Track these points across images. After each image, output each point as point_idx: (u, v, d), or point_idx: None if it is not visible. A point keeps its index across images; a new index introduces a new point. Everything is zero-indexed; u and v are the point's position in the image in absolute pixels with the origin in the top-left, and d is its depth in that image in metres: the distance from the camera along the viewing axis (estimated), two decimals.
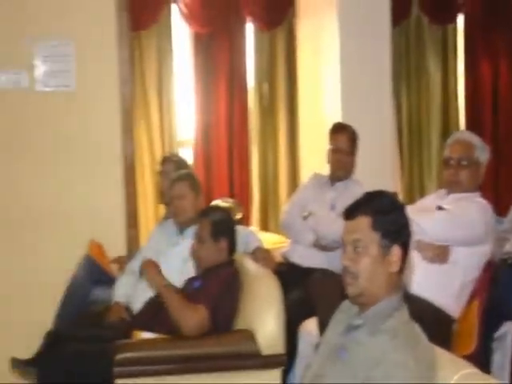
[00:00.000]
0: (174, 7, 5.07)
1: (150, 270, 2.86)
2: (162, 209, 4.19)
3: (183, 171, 3.64)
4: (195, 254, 2.94)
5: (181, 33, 5.23)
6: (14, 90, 3.69)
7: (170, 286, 2.79)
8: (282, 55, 5.33)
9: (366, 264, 1.74)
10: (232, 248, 2.98)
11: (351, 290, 1.78)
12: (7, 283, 3.74)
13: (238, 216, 4.72)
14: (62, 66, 3.72)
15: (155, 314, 2.89)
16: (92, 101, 3.81)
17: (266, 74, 5.35)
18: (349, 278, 1.77)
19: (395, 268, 1.76)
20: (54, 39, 3.71)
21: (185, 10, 4.92)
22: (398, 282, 1.81)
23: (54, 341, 3.17)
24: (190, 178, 3.38)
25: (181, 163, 3.81)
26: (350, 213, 1.81)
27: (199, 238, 2.91)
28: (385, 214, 1.78)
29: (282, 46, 5.31)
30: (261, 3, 5.16)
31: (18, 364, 3.43)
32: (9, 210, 3.74)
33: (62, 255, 3.75)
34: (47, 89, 3.73)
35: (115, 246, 3.77)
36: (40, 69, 3.69)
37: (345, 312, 1.88)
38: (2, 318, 3.73)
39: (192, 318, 2.71)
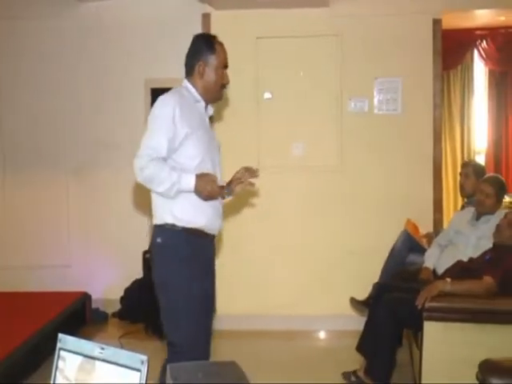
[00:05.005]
0: (475, 52, 6.23)
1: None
2: (460, 200, 5.10)
3: (494, 175, 4.25)
4: None
5: (479, 70, 6.44)
6: (359, 113, 5.05)
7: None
8: None
9: None
10: None
11: None
12: (352, 245, 5.01)
13: None
14: (391, 96, 5.01)
15: (454, 277, 3.55)
16: (412, 120, 5.02)
17: None
18: None
19: None
20: (387, 77, 5.01)
21: (483, 53, 6.08)
22: None
23: (380, 289, 4.07)
24: (497, 184, 3.94)
25: (477, 167, 4.50)
26: None
27: None
28: None
29: None
30: None
31: (355, 303, 4.57)
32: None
33: (385, 228, 4.87)
34: (381, 112, 5.05)
35: (425, 225, 4.78)
36: (377, 98, 5.03)
37: None
38: (353, 268, 4.96)
39: (480, 287, 3.39)
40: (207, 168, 2.80)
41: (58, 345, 1.38)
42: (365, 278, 4.50)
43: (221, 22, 5.08)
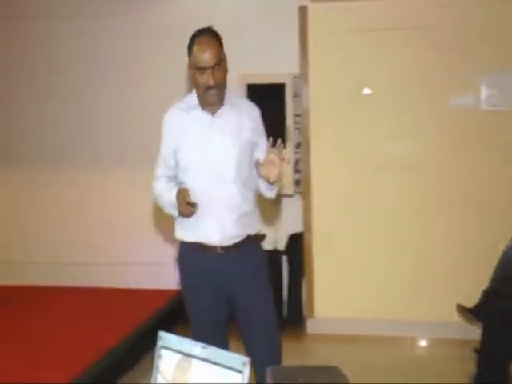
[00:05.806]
0: None
1: None
2: None
3: None
4: None
5: None
6: (464, 109, 4.79)
7: None
8: None
9: None
10: None
11: None
12: (457, 248, 4.77)
13: None
14: (501, 91, 4.71)
15: None
16: None
17: None
18: None
19: None
20: (496, 69, 4.73)
21: None
22: None
23: (489, 296, 3.87)
24: None
25: None
26: None
27: None
28: None
29: None
30: None
31: (461, 310, 4.32)
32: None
33: (494, 230, 4.59)
34: (490, 108, 4.75)
35: None
36: (484, 93, 4.75)
37: None
38: (458, 272, 4.74)
39: None
40: (199, 178, 2.76)
41: (159, 343, 1.38)
42: (472, 284, 4.22)
43: (318, 15, 4.94)
